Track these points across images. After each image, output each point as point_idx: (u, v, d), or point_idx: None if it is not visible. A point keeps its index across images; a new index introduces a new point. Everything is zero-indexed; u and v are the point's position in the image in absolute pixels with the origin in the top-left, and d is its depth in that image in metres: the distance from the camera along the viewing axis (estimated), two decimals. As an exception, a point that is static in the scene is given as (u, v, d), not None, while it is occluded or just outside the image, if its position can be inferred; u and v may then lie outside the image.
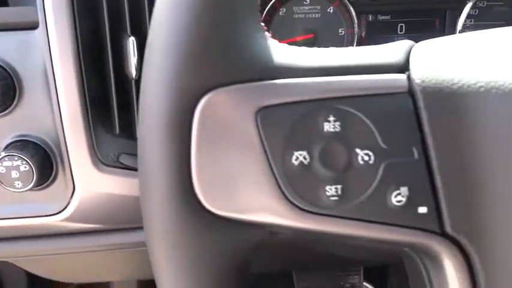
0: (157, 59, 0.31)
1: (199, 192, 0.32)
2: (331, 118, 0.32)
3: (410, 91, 0.33)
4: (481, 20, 0.92)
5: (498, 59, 0.33)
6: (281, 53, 0.34)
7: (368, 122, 0.33)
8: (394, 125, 0.33)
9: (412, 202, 0.32)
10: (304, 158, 0.32)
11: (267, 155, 0.32)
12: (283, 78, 0.33)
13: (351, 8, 0.91)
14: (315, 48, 0.36)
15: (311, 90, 0.32)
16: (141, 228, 0.79)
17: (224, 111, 0.32)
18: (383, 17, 0.93)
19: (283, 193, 0.32)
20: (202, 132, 0.32)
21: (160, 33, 0.31)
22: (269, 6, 0.91)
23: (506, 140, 0.31)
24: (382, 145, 0.32)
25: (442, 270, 0.34)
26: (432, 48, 0.36)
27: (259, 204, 0.33)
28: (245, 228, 0.34)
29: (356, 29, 0.92)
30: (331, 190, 0.32)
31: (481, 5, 0.92)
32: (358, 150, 0.32)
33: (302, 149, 0.32)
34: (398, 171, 0.32)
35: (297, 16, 0.94)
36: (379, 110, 0.33)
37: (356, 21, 0.92)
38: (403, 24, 0.93)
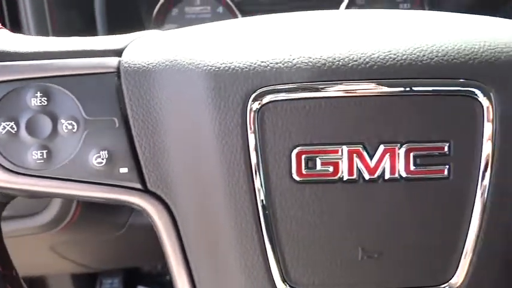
0: None
1: None
2: (39, 94, 0.38)
3: (118, 71, 0.39)
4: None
5: (198, 42, 0.39)
6: (1, 39, 0.39)
7: (73, 97, 0.38)
8: (98, 100, 0.38)
9: (112, 163, 0.38)
10: (12, 128, 0.38)
11: None
12: None
13: (235, 9, 0.96)
14: (45, 37, 0.41)
15: (20, 71, 0.38)
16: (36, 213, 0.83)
17: None
18: (267, 17, 0.99)
19: None
20: None
21: None
22: (160, 5, 0.97)
23: (179, 112, 0.37)
24: (86, 116, 0.38)
25: (154, 222, 0.39)
26: (153, 36, 0.41)
27: None
28: None
29: (242, 28, 0.97)
30: (37, 154, 0.38)
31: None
32: (62, 121, 0.38)
33: (9, 120, 0.38)
34: (99, 138, 0.38)
35: (188, 16, 1.00)
36: (85, 87, 0.38)
37: (242, 20, 0.97)
38: (287, 23, 0.98)
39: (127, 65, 0.38)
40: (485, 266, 0.37)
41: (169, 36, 0.41)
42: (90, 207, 0.81)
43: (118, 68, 0.39)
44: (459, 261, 0.36)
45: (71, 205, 0.78)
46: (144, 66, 0.38)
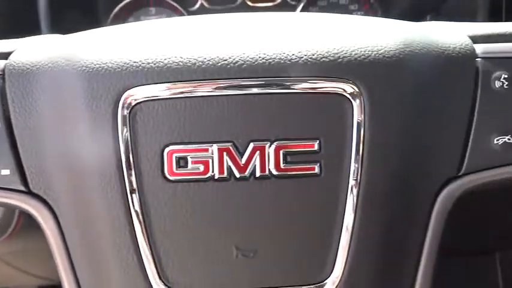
0: None
1: None
2: None
3: (3, 74, 0.39)
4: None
5: (80, 44, 0.39)
6: None
7: None
8: None
9: None
10: None
11: None
12: None
13: (190, 18, 0.97)
14: None
15: None
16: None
17: None
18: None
19: None
20: None
21: None
22: (115, 13, 0.97)
23: (58, 113, 0.37)
24: None
25: (39, 224, 0.39)
26: (42, 40, 0.42)
27: None
28: None
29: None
30: None
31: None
32: None
33: None
34: None
35: (144, 25, 1.00)
36: None
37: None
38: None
39: (12, 67, 0.39)
40: (362, 261, 0.37)
41: (58, 39, 0.41)
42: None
43: (3, 71, 0.39)
44: (335, 258, 0.36)
45: (13, 214, 0.77)
46: (28, 68, 0.38)
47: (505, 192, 0.77)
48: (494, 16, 0.75)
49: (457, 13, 0.82)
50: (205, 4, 0.99)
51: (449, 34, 0.39)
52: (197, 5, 0.99)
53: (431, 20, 0.90)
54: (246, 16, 0.42)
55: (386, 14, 0.98)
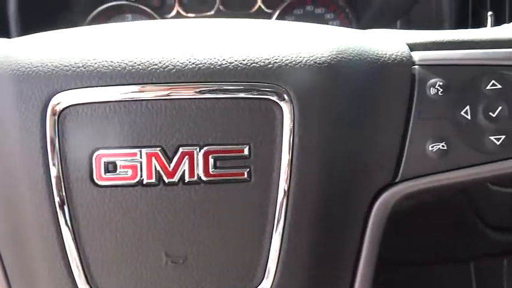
0: None
1: None
2: None
3: None
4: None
5: (14, 47, 0.39)
6: None
7: None
8: None
9: None
10: None
11: None
12: None
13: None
14: None
15: None
16: None
17: None
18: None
19: None
20: None
21: None
22: (91, 18, 0.98)
23: None
24: None
25: None
26: None
27: None
28: None
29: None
30: None
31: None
32: None
33: None
34: None
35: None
36: None
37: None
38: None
39: None
40: (294, 268, 0.36)
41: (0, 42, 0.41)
42: None
43: None
44: (266, 264, 0.36)
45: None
46: None
47: (468, 199, 0.77)
48: (461, 22, 0.76)
49: (426, 20, 0.83)
50: (182, 12, 0.99)
51: (387, 42, 0.39)
52: (173, 12, 1.00)
53: (401, 26, 0.90)
54: (187, 22, 0.42)
55: (359, 22, 0.99)
